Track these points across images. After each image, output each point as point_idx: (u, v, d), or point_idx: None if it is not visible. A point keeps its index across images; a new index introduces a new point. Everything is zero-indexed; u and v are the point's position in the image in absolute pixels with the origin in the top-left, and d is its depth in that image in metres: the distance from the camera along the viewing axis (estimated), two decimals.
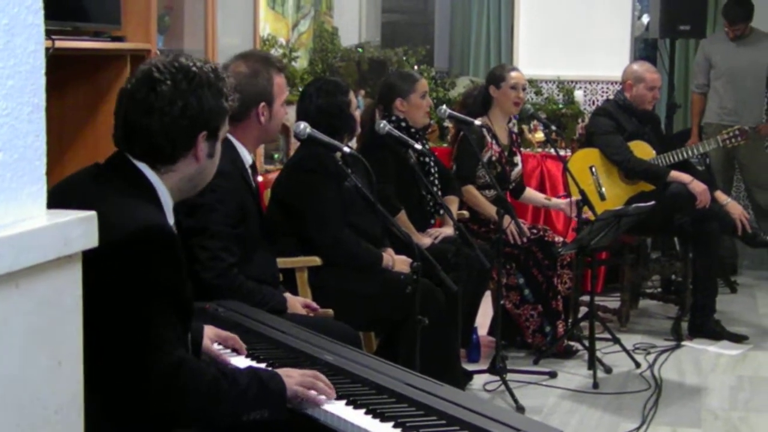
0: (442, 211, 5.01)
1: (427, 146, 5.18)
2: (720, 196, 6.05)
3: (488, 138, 5.40)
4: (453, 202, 5.19)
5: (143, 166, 2.41)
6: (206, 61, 2.54)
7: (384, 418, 2.23)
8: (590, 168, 5.93)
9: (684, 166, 6.09)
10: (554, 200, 5.81)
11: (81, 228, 1.57)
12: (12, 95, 1.50)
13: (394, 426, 2.19)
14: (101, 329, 2.06)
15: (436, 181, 5.07)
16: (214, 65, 2.54)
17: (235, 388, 2.30)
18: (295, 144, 5.30)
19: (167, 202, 2.45)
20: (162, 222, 2.32)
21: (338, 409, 2.32)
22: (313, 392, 2.38)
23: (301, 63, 6.93)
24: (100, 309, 2.02)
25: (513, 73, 5.54)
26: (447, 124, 6.77)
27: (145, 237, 2.22)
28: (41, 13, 1.53)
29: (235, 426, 2.32)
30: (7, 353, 1.48)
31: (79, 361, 1.62)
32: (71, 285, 1.59)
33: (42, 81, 1.55)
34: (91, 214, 1.62)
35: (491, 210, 5.21)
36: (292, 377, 2.39)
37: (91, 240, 1.60)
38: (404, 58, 7.46)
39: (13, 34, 1.50)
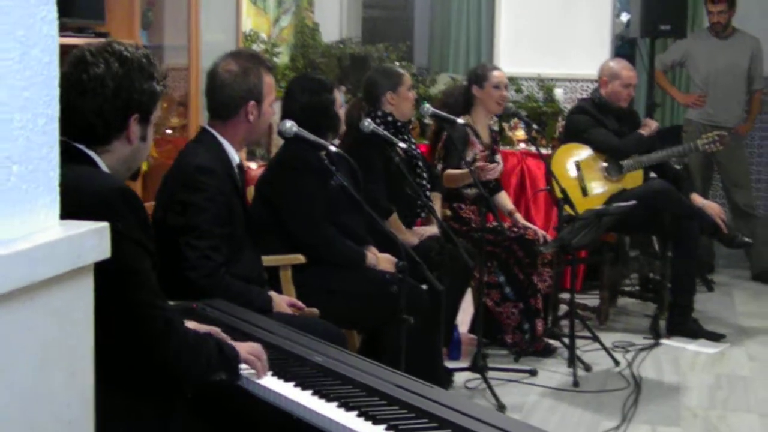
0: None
1: (413, 143, 5.19)
2: (696, 198, 6.10)
3: (472, 137, 5.42)
4: (437, 199, 5.22)
5: (82, 147, 2.49)
6: (138, 47, 2.61)
7: (376, 421, 2.23)
8: (575, 163, 5.96)
9: (662, 165, 6.14)
10: (518, 216, 5.74)
11: (94, 240, 1.57)
12: (28, 107, 1.49)
13: (387, 428, 2.19)
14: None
15: (425, 175, 5.08)
16: (146, 51, 2.61)
17: (206, 349, 2.50)
18: (276, 141, 5.29)
19: None
20: (122, 183, 2.41)
21: (330, 411, 2.32)
22: (259, 364, 2.58)
23: (282, 59, 6.92)
24: None
25: (495, 72, 5.57)
26: (427, 121, 6.77)
27: (115, 198, 2.30)
28: (56, 23, 1.53)
29: (201, 384, 2.53)
30: (22, 366, 1.48)
31: (91, 371, 1.62)
32: (83, 296, 1.59)
33: (56, 92, 1.55)
34: (104, 226, 1.62)
35: (466, 174, 5.15)
36: (241, 347, 2.60)
37: (104, 251, 1.60)
38: (385, 54, 7.45)
39: (28, 46, 1.50)
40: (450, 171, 5.33)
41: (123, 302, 2.27)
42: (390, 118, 4.98)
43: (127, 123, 2.52)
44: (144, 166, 4.76)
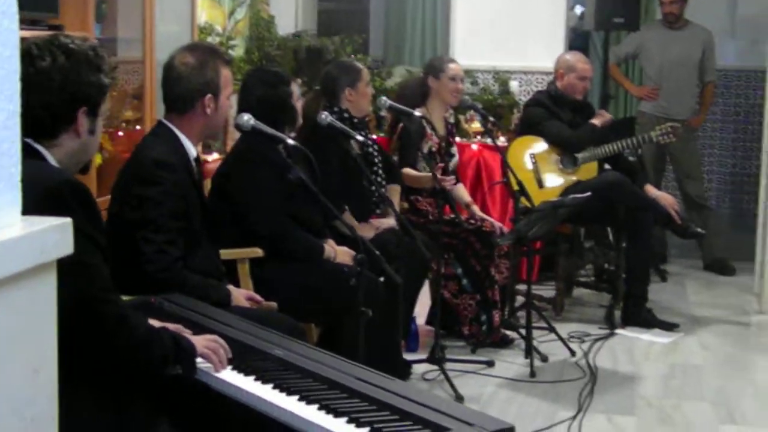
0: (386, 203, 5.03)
1: (369, 136, 5.20)
2: (650, 189, 6.15)
3: (427, 129, 5.44)
4: (395, 191, 5.23)
5: (30, 141, 2.44)
6: (85, 39, 2.60)
7: (337, 414, 2.24)
8: (529, 155, 6.00)
9: (616, 156, 6.18)
10: (475, 208, 5.76)
11: (56, 235, 1.56)
12: None
13: (348, 421, 2.19)
14: None
15: (380, 171, 5.09)
16: (93, 44, 2.60)
17: (161, 343, 2.50)
18: (232, 134, 5.27)
19: None
20: (72, 177, 2.39)
21: (291, 404, 2.32)
22: (215, 357, 2.57)
23: (237, 51, 6.89)
24: None
25: (452, 65, 5.60)
26: (383, 113, 6.77)
27: (65, 191, 2.27)
28: (16, 17, 1.50)
29: (157, 376, 2.52)
30: None
31: (55, 367, 1.61)
32: (47, 292, 1.58)
33: (17, 86, 1.52)
34: (66, 221, 1.61)
35: (428, 177, 5.20)
36: (197, 340, 2.60)
37: (67, 247, 1.58)
38: (341, 46, 7.43)
39: None
40: (410, 172, 5.37)
41: (75, 297, 2.24)
42: (346, 115, 4.97)
43: (75, 116, 2.50)
44: (98, 160, 4.73)
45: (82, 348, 2.30)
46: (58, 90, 2.46)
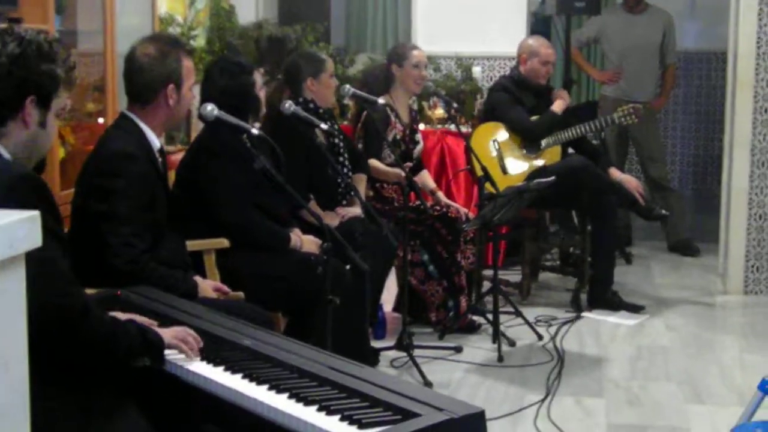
0: (352, 192, 5.03)
1: (336, 126, 5.19)
2: (614, 172, 6.18)
3: (392, 117, 5.44)
4: (361, 180, 5.22)
5: None
6: (41, 31, 2.57)
7: (307, 402, 2.24)
8: (493, 142, 6.02)
9: (579, 140, 6.21)
10: (440, 194, 5.79)
11: (25, 228, 1.54)
12: None
13: (318, 409, 2.19)
14: None
15: (346, 162, 5.08)
16: (48, 37, 2.57)
17: (126, 335, 2.50)
18: (196, 124, 5.25)
19: None
20: (28, 170, 2.36)
21: (261, 394, 2.32)
22: (185, 346, 2.60)
23: (199, 42, 6.85)
24: None
25: (415, 52, 5.60)
26: (347, 102, 6.76)
27: (22, 185, 2.25)
28: None
29: (124, 368, 2.53)
30: None
31: (25, 362, 1.59)
32: (16, 286, 1.56)
33: None
34: (35, 214, 1.59)
35: (396, 173, 5.24)
36: (165, 332, 2.62)
37: (35, 241, 1.57)
38: (302, 35, 7.41)
39: None
40: (379, 166, 5.38)
41: (36, 291, 2.23)
42: (311, 105, 4.96)
43: (23, 104, 2.46)
44: (61, 153, 4.70)
45: (48, 341, 2.29)
46: (6, 75, 2.43)
